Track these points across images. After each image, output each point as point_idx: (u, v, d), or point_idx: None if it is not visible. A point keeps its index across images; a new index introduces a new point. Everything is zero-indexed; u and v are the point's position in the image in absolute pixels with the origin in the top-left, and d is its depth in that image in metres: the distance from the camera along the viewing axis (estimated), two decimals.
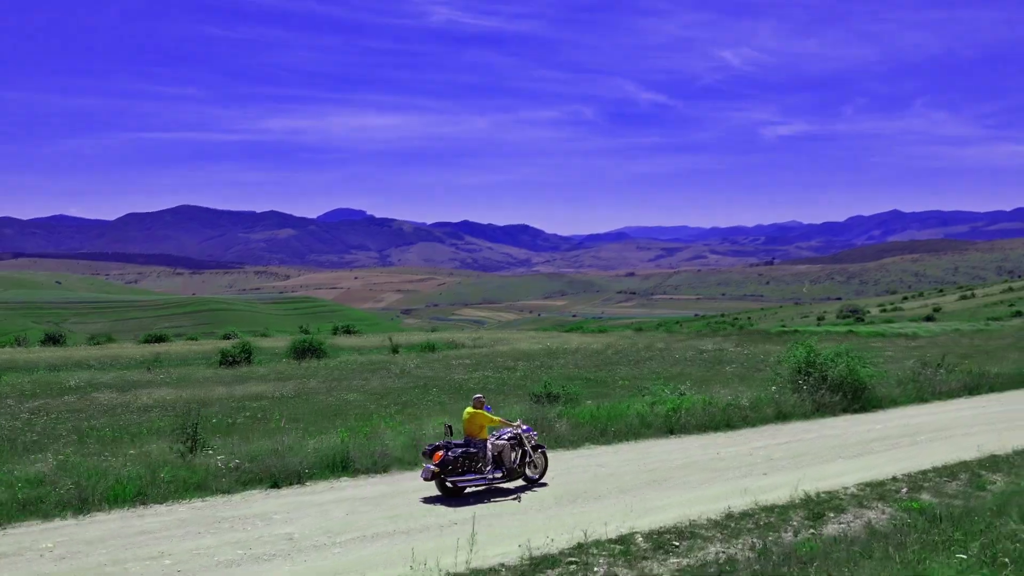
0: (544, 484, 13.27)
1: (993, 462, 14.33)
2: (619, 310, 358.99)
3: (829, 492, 12.32)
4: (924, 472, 13.70)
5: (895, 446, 16.36)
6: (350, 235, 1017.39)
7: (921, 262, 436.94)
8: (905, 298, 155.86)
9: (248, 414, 21.08)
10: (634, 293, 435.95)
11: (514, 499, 12.39)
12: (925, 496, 12.12)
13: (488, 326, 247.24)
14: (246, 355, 37.66)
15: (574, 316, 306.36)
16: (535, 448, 13.42)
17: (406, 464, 14.23)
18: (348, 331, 66.53)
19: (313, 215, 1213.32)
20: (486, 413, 13.05)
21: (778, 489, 12.51)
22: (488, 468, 12.65)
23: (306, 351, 39.95)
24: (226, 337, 62.11)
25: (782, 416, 19.50)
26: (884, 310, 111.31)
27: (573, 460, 15.08)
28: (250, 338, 53.96)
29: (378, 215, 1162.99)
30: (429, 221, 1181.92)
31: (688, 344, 44.80)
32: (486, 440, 12.89)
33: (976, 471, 13.66)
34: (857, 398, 20.90)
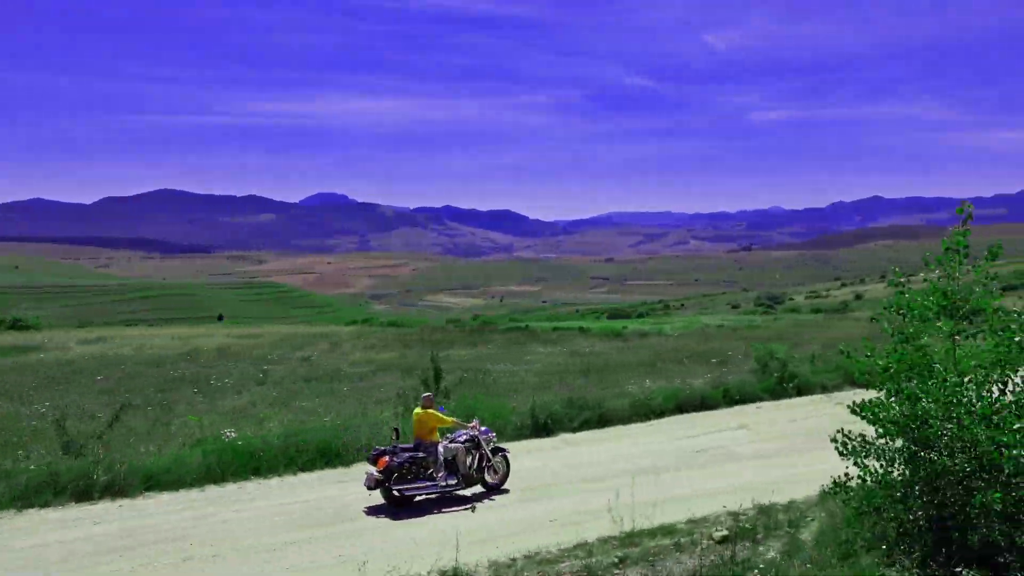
0: (506, 491, 12.39)
1: None
2: (593, 296, 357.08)
3: None
4: None
5: None
6: (332, 220, 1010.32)
7: (896, 248, 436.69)
8: (843, 284, 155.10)
9: None
10: (607, 279, 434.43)
11: (468, 508, 11.54)
12: None
13: (453, 311, 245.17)
14: None
15: (544, 302, 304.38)
16: (495, 451, 12.50)
17: None
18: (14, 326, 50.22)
19: (295, 199, 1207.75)
20: (438, 414, 12.08)
21: None
22: (440, 474, 11.78)
23: None
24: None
25: None
26: (808, 297, 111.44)
27: None
28: None
29: (361, 199, 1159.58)
30: (412, 206, 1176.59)
31: (349, 351, 33.81)
32: (438, 443, 11.99)
33: None
34: None
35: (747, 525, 10.20)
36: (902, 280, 8.47)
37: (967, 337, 7.97)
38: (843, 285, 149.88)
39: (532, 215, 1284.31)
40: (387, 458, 11.45)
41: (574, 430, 17.15)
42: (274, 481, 13.29)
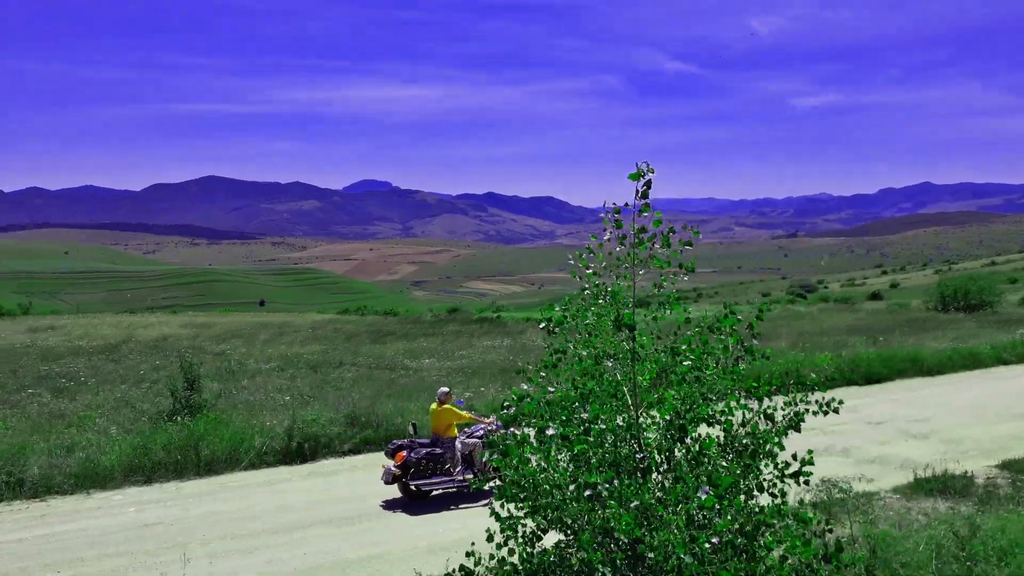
0: None
1: None
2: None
3: None
4: None
5: None
6: (374, 207, 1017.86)
7: (944, 235, 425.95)
8: (884, 272, 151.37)
9: None
10: None
11: (485, 504, 11.12)
12: None
13: (489, 298, 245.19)
14: None
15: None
16: None
17: None
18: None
19: (338, 186, 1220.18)
20: (455, 408, 12.14)
21: None
22: (457, 469, 11.94)
23: None
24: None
25: None
26: (845, 285, 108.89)
27: None
28: None
29: (403, 187, 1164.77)
30: (454, 193, 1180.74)
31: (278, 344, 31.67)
32: (455, 438, 12.08)
33: None
34: None
35: None
36: (589, 270, 5.54)
37: (631, 359, 5.27)
38: (884, 273, 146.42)
39: (574, 201, 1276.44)
40: (405, 453, 11.58)
41: (344, 454, 14.07)
42: None
